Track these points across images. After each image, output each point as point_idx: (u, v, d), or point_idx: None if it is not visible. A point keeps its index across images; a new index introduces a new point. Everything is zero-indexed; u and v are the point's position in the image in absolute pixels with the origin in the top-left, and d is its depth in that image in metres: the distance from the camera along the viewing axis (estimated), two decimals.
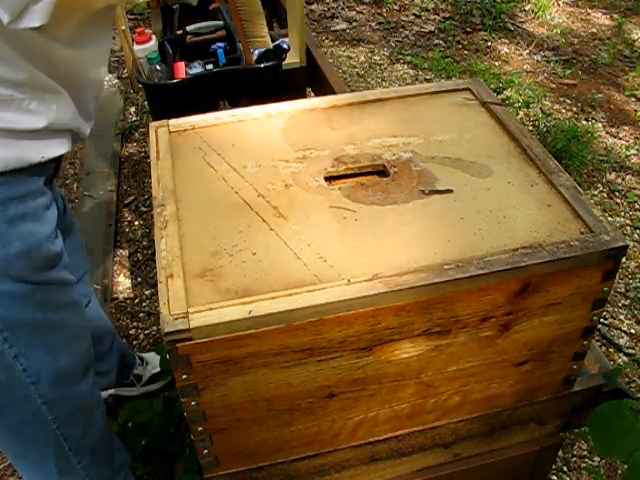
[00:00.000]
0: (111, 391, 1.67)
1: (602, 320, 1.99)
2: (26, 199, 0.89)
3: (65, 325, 1.00)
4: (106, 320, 1.56)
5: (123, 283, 2.11)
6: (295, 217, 0.97)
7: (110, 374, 1.62)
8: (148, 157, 1.09)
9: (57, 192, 1.23)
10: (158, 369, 1.72)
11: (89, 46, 0.94)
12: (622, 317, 2.04)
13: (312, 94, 2.35)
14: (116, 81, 3.00)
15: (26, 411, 1.00)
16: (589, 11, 3.84)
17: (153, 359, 1.75)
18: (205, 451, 0.96)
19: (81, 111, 0.98)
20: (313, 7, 3.82)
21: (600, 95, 3.08)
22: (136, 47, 1.83)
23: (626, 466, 1.07)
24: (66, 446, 1.08)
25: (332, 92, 2.01)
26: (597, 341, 1.93)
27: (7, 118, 0.82)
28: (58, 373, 1.00)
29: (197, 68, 1.87)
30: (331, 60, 3.27)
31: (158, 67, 1.82)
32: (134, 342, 1.93)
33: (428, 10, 3.81)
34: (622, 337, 1.97)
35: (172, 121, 1.17)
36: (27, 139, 0.86)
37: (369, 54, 3.40)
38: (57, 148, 0.92)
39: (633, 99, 3.08)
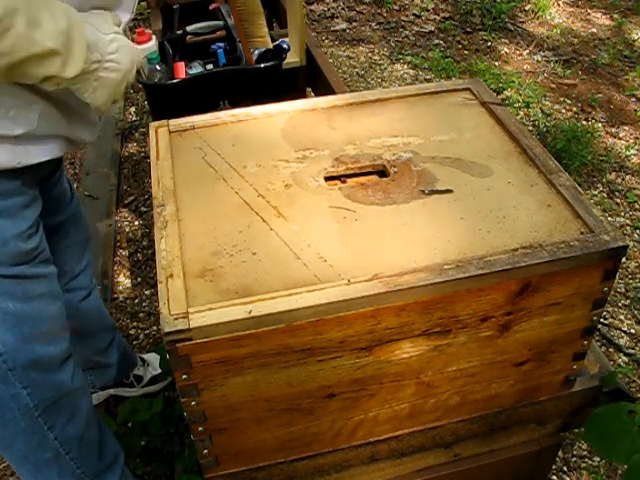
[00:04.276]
0: (111, 391, 1.67)
1: (602, 320, 1.99)
2: None
3: (40, 315, 1.02)
4: (106, 315, 1.56)
5: (123, 283, 2.11)
6: (295, 217, 0.97)
7: (111, 369, 1.62)
8: (148, 157, 1.09)
9: (62, 184, 1.24)
10: (159, 370, 1.72)
11: None
12: (622, 317, 2.04)
13: (312, 94, 2.35)
14: None
15: (5, 394, 1.02)
16: (589, 11, 3.84)
17: (154, 360, 1.75)
18: (205, 451, 0.96)
19: (72, 116, 0.99)
20: (313, 7, 3.82)
21: (600, 95, 3.08)
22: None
23: (626, 466, 1.07)
24: (51, 435, 1.09)
25: (332, 92, 2.01)
26: (597, 341, 1.93)
27: None
28: (34, 360, 1.02)
29: (197, 68, 1.86)
30: (331, 60, 3.27)
31: (158, 67, 1.81)
32: (134, 342, 1.93)
33: (428, 10, 3.81)
34: (622, 337, 1.97)
35: (172, 121, 1.17)
36: (2, 144, 0.88)
37: (369, 54, 3.40)
38: (39, 154, 0.94)
39: (633, 99, 3.08)
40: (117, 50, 0.93)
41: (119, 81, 0.94)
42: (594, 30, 3.65)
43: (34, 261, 1.00)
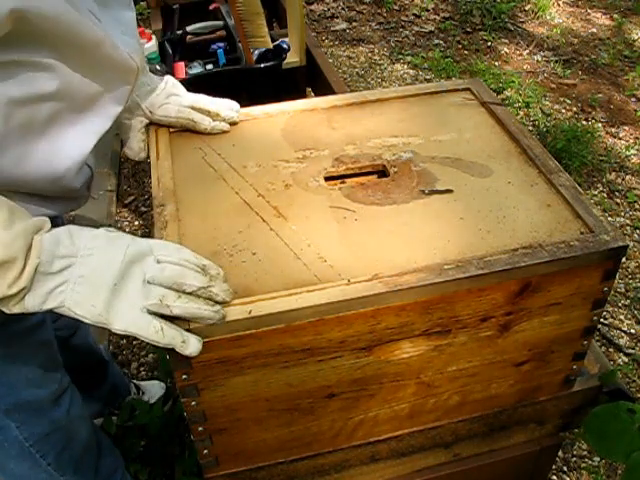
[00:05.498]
0: (101, 420, 1.63)
1: (602, 320, 1.99)
2: None
3: (25, 364, 0.98)
4: (96, 350, 1.53)
5: None
6: (295, 217, 0.97)
7: (99, 402, 1.59)
8: (148, 157, 1.09)
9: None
10: (155, 399, 1.67)
11: None
12: (622, 317, 2.04)
13: (312, 94, 2.35)
14: None
15: None
16: (589, 11, 3.84)
17: (151, 389, 1.71)
18: (205, 451, 0.96)
19: None
20: (313, 7, 3.82)
21: (600, 95, 3.08)
22: None
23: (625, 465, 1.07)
24: (44, 462, 1.07)
25: (332, 92, 2.01)
26: (597, 341, 1.94)
27: None
28: (21, 404, 0.99)
29: (197, 68, 1.87)
30: (331, 60, 3.27)
31: (158, 67, 1.82)
32: (134, 342, 1.93)
33: (428, 10, 3.81)
34: (622, 337, 1.97)
35: None
36: None
37: (369, 54, 3.40)
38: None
39: (633, 99, 3.08)
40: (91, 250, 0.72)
41: (102, 282, 0.71)
42: (594, 30, 3.65)
43: (13, 317, 0.91)
